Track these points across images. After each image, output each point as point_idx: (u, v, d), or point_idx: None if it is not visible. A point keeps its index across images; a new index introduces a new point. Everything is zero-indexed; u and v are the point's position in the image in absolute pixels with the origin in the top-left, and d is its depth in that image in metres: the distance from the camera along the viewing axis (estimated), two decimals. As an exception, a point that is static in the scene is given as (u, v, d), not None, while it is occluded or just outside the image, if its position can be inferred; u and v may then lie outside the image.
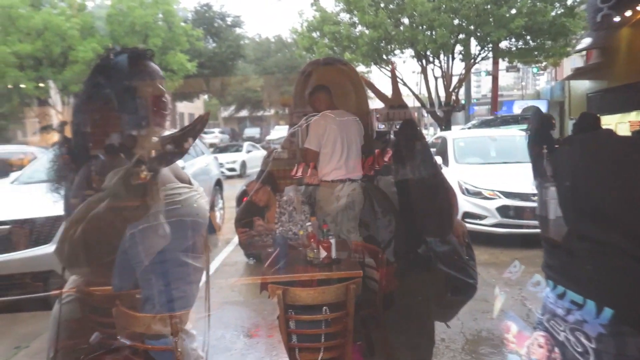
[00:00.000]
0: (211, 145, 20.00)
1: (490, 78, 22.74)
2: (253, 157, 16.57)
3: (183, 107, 31.12)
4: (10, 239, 4.40)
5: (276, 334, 3.67)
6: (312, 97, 1.87)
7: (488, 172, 6.86)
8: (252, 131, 33.70)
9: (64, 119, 18.98)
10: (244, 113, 37.79)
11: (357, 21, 17.21)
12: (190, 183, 1.65)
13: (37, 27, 16.16)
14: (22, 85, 16.69)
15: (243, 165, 16.38)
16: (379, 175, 1.62)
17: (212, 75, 25.29)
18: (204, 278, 1.69)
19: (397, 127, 1.46)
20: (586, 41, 1.43)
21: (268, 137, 25.26)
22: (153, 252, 1.47)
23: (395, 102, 1.45)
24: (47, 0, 17.89)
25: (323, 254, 1.82)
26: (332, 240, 1.80)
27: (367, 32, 16.62)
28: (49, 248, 4.32)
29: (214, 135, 29.46)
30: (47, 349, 1.61)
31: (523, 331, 1.39)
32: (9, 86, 16.77)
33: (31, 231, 4.42)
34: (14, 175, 6.08)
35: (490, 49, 17.56)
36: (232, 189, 7.28)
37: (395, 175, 1.53)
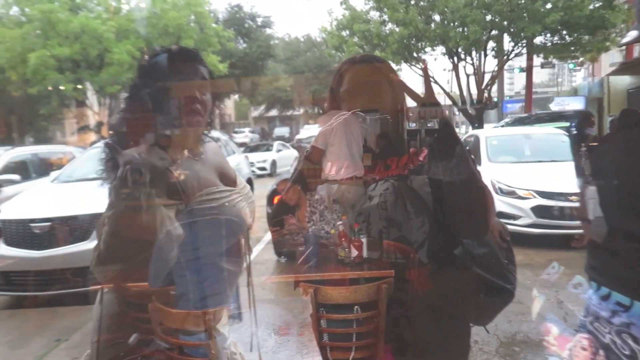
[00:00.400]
0: (242, 144, 20.25)
1: (523, 75, 22.19)
2: (283, 156, 16.72)
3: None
4: (51, 235, 4.56)
5: (307, 332, 3.69)
6: (315, 97, 1.87)
7: (522, 171, 6.70)
8: (281, 130, 33.96)
9: (100, 119, 19.58)
10: (273, 112, 38.09)
11: (387, 19, 17.09)
12: (235, 183, 1.66)
13: (75, 30, 16.73)
14: (61, 87, 17.31)
15: (273, 164, 16.53)
16: (412, 175, 1.59)
17: (243, 75, 25.60)
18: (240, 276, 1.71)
19: (429, 125, 1.42)
20: (632, 34, 1.37)
21: (298, 136, 25.37)
22: (169, 258, 1.49)
23: (428, 101, 1.43)
24: (85, 4, 18.48)
25: (354, 252, 1.81)
26: (364, 239, 1.79)
27: (397, 29, 16.49)
28: (88, 244, 4.47)
29: (244, 134, 29.84)
30: (90, 340, 1.66)
31: (564, 333, 1.34)
32: (49, 88, 17.40)
33: (71, 228, 4.57)
34: (54, 174, 6.29)
35: (524, 44, 17.16)
36: (263, 188, 7.35)
37: (430, 175, 1.50)
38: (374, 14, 17.70)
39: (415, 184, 1.59)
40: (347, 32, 17.93)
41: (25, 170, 7.44)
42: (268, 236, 6.02)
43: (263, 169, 16.00)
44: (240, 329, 1.85)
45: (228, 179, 1.64)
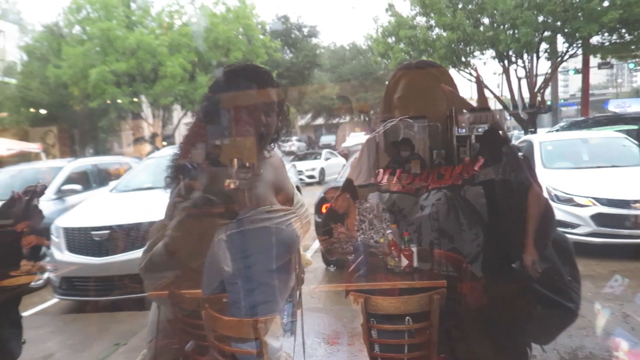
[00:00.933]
0: (289, 152, 20.52)
1: (579, 76, 21.22)
2: (331, 165, 16.89)
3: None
4: (110, 243, 4.77)
5: (357, 342, 3.65)
6: (338, 107, 1.88)
7: (580, 177, 6.39)
8: (328, 138, 34.08)
9: (155, 131, 20.38)
10: (320, 121, 38.27)
11: (434, 24, 16.83)
12: (292, 201, 1.69)
13: (131, 46, 17.57)
14: (118, 101, 18.19)
15: (322, 172, 16.70)
16: (466, 185, 1.54)
17: (290, 84, 25.95)
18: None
19: (479, 131, 1.38)
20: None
21: (344, 144, 25.38)
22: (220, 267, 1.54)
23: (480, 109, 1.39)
24: (140, 21, 19.38)
25: (404, 262, 1.78)
26: (414, 249, 1.75)
27: (444, 34, 16.20)
28: (144, 252, 4.63)
29: (291, 143, 30.20)
30: (146, 340, 1.72)
31: (636, 348, 1.26)
32: (108, 102, 18.32)
33: (128, 236, 4.76)
34: (112, 183, 6.58)
35: (579, 45, 16.41)
36: (312, 196, 7.41)
37: (482, 178, 1.45)
38: (420, 20, 17.46)
39: (469, 195, 1.53)
40: (393, 38, 17.76)
41: (86, 180, 7.79)
42: (317, 244, 6.04)
43: (312, 177, 16.25)
44: (290, 337, 1.86)
45: (285, 197, 1.67)
